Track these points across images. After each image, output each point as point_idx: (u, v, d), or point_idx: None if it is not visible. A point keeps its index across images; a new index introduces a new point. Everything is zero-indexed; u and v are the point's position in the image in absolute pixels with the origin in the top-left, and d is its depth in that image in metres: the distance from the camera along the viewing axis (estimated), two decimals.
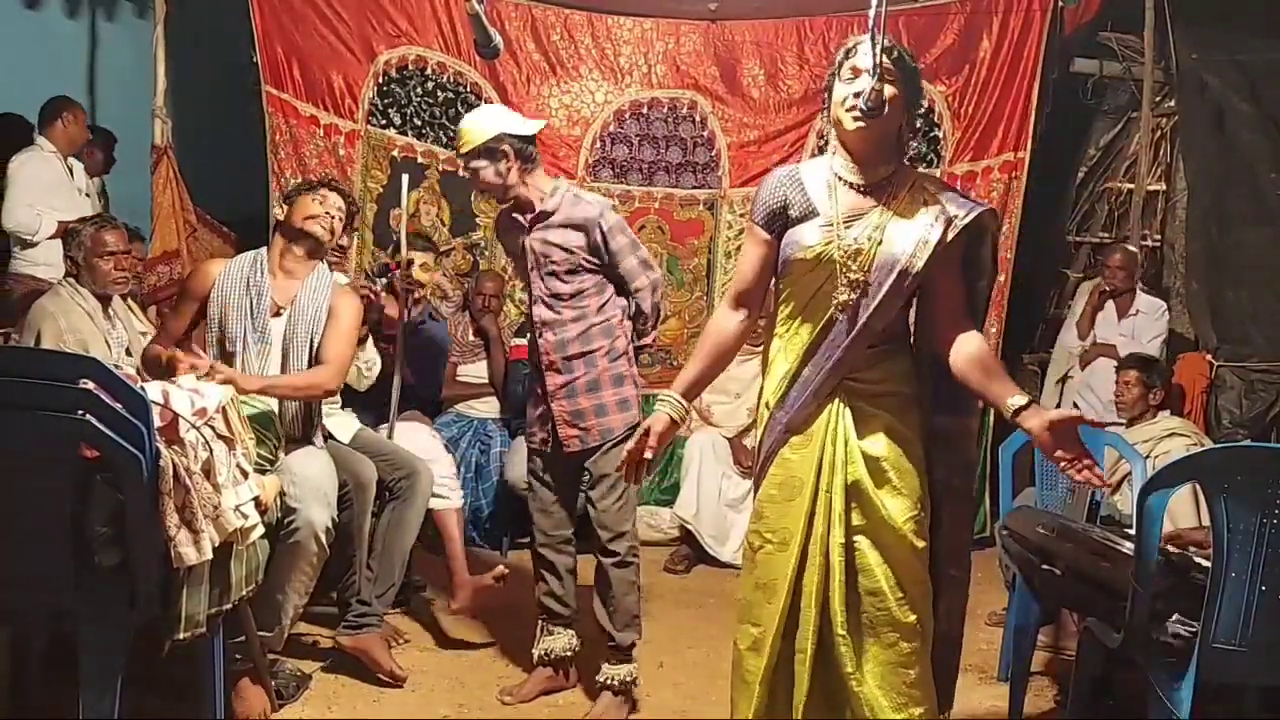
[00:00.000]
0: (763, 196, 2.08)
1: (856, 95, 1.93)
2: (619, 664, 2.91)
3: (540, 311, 2.94)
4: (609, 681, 2.90)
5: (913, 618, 2.01)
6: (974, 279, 2.06)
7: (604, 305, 2.95)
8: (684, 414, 2.12)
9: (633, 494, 2.92)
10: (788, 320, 2.08)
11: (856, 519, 2.02)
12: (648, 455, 2.08)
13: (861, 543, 2.02)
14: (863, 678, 2.00)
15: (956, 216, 1.97)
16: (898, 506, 2.01)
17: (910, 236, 1.97)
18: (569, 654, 3.01)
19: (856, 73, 1.97)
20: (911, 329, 2.13)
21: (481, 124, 2.94)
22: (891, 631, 2.01)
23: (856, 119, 1.95)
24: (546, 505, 3.01)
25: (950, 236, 1.96)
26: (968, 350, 2.00)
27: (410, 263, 3.73)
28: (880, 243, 1.98)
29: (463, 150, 2.94)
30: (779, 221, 2.06)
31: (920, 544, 2.03)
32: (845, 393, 2.03)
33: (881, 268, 1.97)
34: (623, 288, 2.98)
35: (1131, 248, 4.84)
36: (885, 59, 1.92)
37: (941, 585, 2.08)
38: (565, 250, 2.90)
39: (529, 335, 3.05)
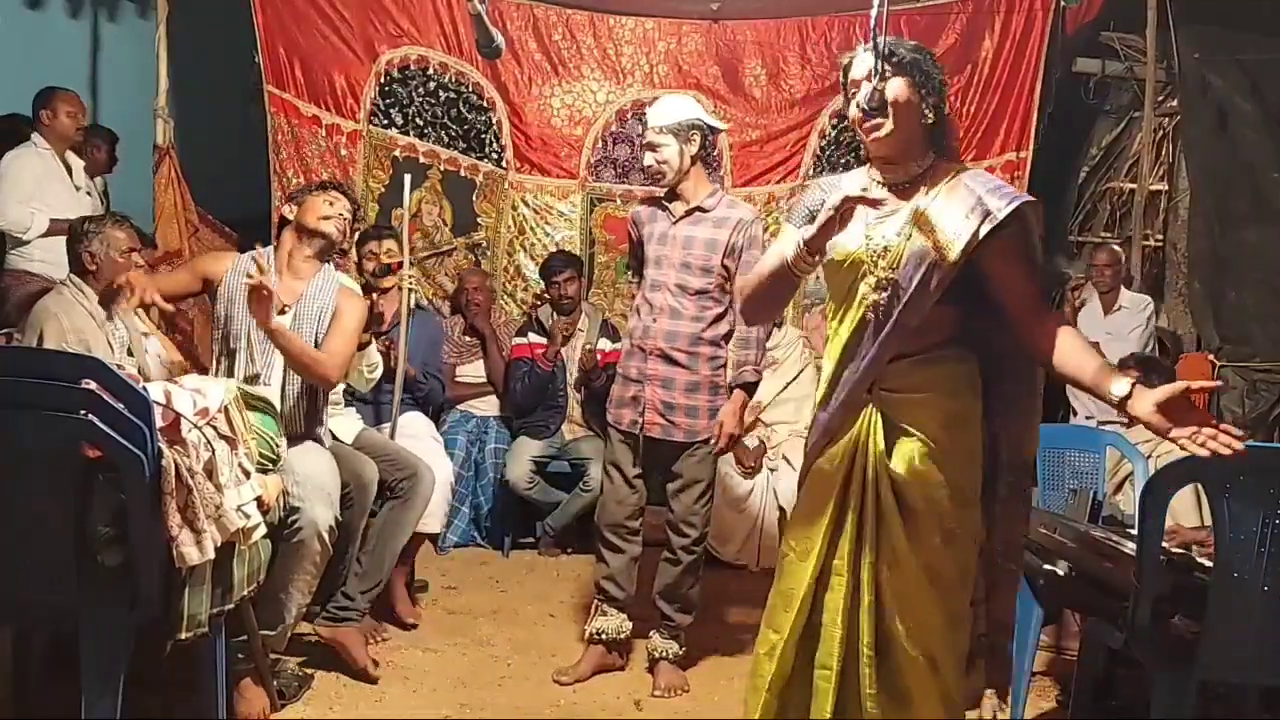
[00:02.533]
0: (804, 201, 2.08)
1: (861, 108, 1.93)
2: (672, 638, 3.12)
3: (662, 298, 3.05)
4: (666, 654, 3.10)
5: (915, 652, 1.93)
6: (1032, 271, 1.95)
7: (720, 316, 3.07)
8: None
9: (711, 499, 3.15)
10: (830, 323, 2.07)
11: (884, 540, 1.96)
12: None
13: (882, 566, 1.96)
14: (880, 702, 1.95)
15: (996, 209, 1.85)
16: (916, 533, 1.93)
17: (945, 230, 1.88)
18: (620, 636, 3.14)
19: (857, 85, 1.96)
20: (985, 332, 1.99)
21: (682, 104, 3.09)
22: (901, 660, 1.94)
23: (870, 132, 1.93)
24: (622, 496, 3.12)
25: (985, 230, 1.85)
26: (1059, 339, 1.88)
27: (414, 262, 3.72)
28: (910, 238, 1.92)
29: (653, 123, 3.03)
30: None
31: (941, 574, 1.94)
32: (881, 402, 1.96)
33: (909, 263, 1.90)
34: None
35: (1116, 246, 4.86)
36: (884, 61, 1.90)
37: (997, 577, 2.05)
38: (708, 248, 3.02)
39: (632, 321, 3.16)
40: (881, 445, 1.94)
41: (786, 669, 2.03)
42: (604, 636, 3.13)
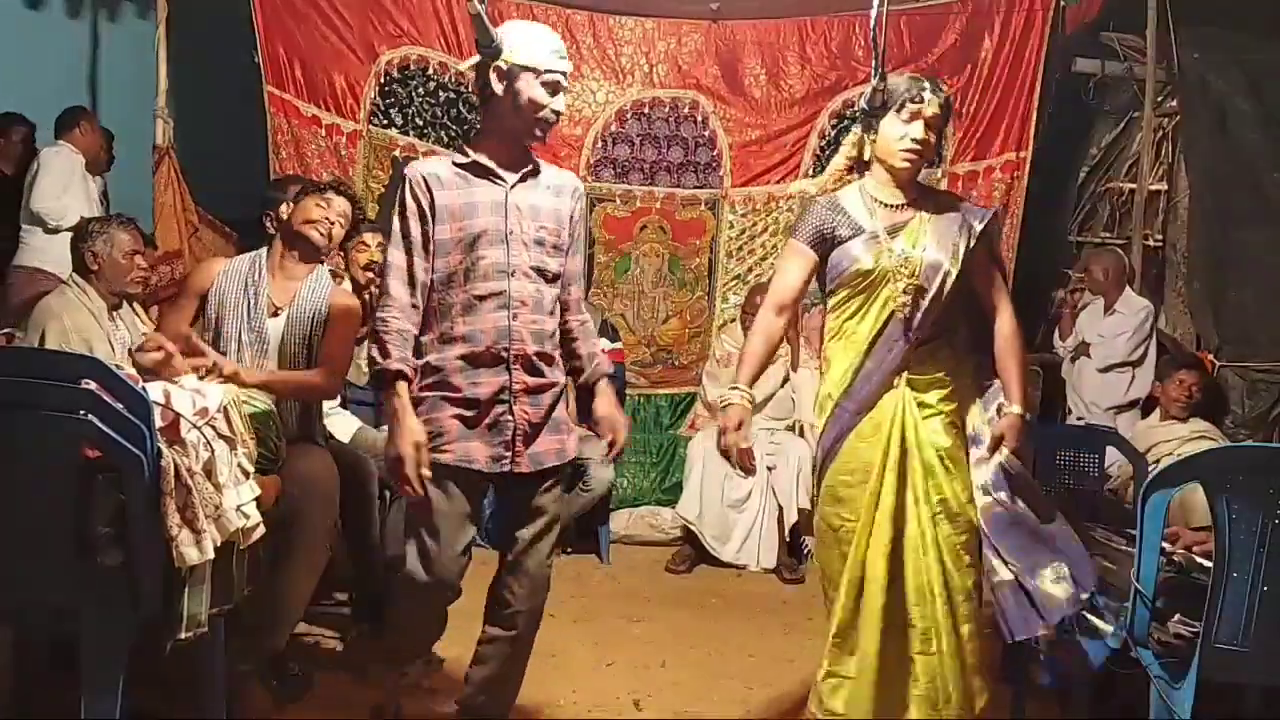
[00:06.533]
0: (810, 221, 2.37)
1: (915, 141, 2.26)
2: None
3: (521, 286, 2.23)
4: None
5: (963, 615, 2.29)
6: (997, 270, 2.43)
7: (564, 306, 2.41)
8: (752, 401, 2.38)
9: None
10: (845, 322, 2.37)
11: (933, 494, 2.29)
12: (744, 445, 2.34)
13: (938, 518, 2.29)
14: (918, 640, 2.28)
15: (975, 224, 2.31)
16: (956, 489, 2.30)
17: (947, 243, 2.29)
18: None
19: (916, 117, 2.25)
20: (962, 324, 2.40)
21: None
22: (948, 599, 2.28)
23: (907, 159, 2.28)
24: (450, 557, 2.30)
25: (973, 243, 2.30)
26: (1001, 330, 2.36)
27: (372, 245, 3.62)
28: (926, 249, 2.29)
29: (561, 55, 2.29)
30: (827, 243, 2.35)
31: (972, 529, 2.30)
32: (909, 385, 2.32)
33: (930, 271, 2.27)
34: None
35: (1107, 252, 4.85)
36: (936, 105, 2.27)
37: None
38: (556, 220, 2.31)
39: (460, 324, 2.24)
40: (917, 415, 2.30)
41: (847, 617, 2.31)
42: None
